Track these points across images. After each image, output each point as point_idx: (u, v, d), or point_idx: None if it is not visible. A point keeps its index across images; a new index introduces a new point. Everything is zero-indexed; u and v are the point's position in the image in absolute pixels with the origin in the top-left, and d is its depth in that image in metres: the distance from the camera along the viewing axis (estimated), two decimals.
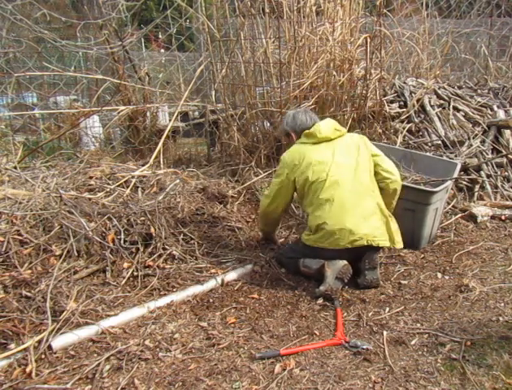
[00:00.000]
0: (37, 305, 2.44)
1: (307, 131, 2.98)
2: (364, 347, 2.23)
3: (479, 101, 5.12)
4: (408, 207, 3.26)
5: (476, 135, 4.64)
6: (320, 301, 2.69)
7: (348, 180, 2.84)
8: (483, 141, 4.60)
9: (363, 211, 2.81)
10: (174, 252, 3.07)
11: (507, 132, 4.64)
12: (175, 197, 3.59)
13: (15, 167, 3.80)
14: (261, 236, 3.45)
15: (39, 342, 2.23)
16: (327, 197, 2.80)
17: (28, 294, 2.49)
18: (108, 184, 3.60)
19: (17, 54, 5.23)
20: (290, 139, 3.16)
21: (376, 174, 2.98)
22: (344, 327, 2.43)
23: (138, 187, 3.69)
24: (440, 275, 3.01)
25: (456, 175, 3.60)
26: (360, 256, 2.83)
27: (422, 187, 3.38)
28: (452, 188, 4.09)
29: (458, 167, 3.65)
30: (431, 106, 4.96)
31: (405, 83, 5.36)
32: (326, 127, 2.97)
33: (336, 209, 2.78)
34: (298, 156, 2.92)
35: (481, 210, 3.86)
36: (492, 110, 4.99)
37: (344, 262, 2.76)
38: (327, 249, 2.80)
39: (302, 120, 3.06)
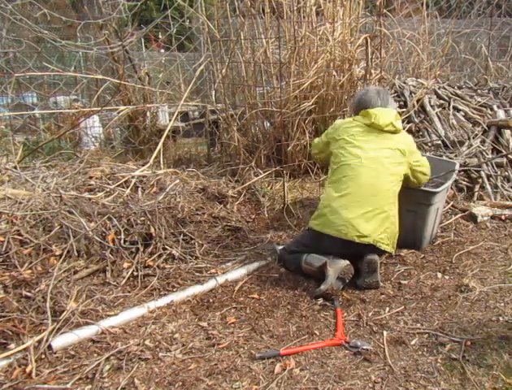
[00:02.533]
0: (37, 305, 2.44)
1: (365, 110, 3.02)
2: (364, 347, 2.23)
3: (479, 101, 5.12)
4: (410, 208, 3.26)
5: (476, 135, 4.64)
6: (320, 301, 2.69)
7: (371, 177, 2.87)
8: (483, 141, 4.60)
9: (372, 210, 2.82)
10: (174, 252, 3.07)
11: (507, 132, 4.64)
12: (175, 197, 3.59)
13: (15, 167, 3.80)
14: None
15: (39, 342, 2.24)
16: (345, 185, 2.86)
17: (28, 294, 2.49)
18: (108, 184, 3.60)
19: (17, 54, 5.23)
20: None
21: (409, 178, 3.10)
22: (344, 327, 2.43)
23: (138, 187, 3.69)
24: (440, 275, 3.01)
25: (455, 175, 3.60)
26: (360, 255, 2.82)
27: (423, 188, 3.38)
28: (452, 188, 4.09)
29: (457, 167, 3.65)
30: (431, 106, 4.96)
31: (405, 83, 5.36)
32: (383, 116, 2.98)
33: (347, 199, 2.83)
34: (346, 127, 3.04)
35: (481, 210, 3.86)
36: (492, 110, 4.99)
37: (347, 261, 2.75)
38: (326, 235, 2.81)
39: (366, 100, 3.10)
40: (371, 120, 2.96)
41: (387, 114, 3.00)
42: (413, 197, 3.24)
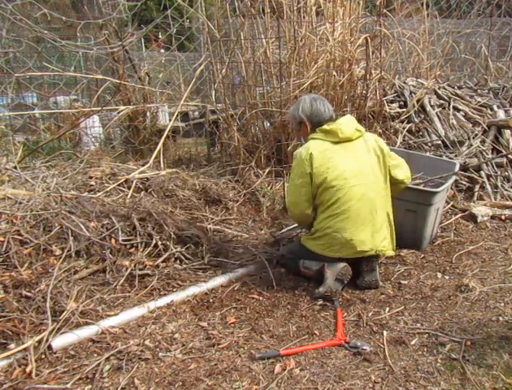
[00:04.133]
0: (37, 305, 2.44)
1: (326, 127, 2.76)
2: (364, 347, 2.23)
3: (479, 101, 5.12)
4: (410, 208, 3.26)
5: (476, 135, 4.64)
6: (320, 301, 2.69)
7: (365, 190, 2.73)
8: (483, 141, 4.60)
9: (375, 225, 2.78)
10: (174, 252, 3.07)
11: (507, 132, 4.64)
12: (175, 198, 3.59)
13: (15, 167, 3.80)
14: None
15: (39, 342, 2.23)
16: (343, 208, 2.70)
17: (28, 294, 2.49)
18: (108, 184, 3.60)
19: (17, 54, 5.22)
20: (303, 129, 2.90)
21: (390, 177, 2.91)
22: (344, 327, 2.43)
23: (138, 187, 3.69)
24: (440, 275, 3.01)
25: (454, 175, 3.60)
26: (359, 259, 2.82)
27: (423, 188, 3.38)
28: (452, 188, 4.09)
29: (457, 167, 3.65)
30: (431, 106, 4.96)
31: (405, 83, 5.36)
32: (347, 126, 2.77)
33: (349, 223, 2.71)
34: (318, 155, 2.70)
35: (481, 210, 3.86)
36: (492, 110, 4.99)
37: (344, 263, 2.76)
38: (327, 256, 2.79)
39: (320, 110, 2.81)
40: (340, 136, 2.73)
41: (348, 122, 2.80)
42: (413, 197, 3.24)
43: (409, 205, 3.24)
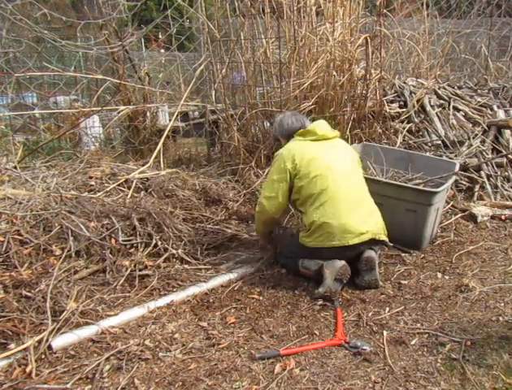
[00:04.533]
0: (37, 305, 2.44)
1: (303, 130, 2.98)
2: (364, 348, 2.23)
3: (479, 101, 5.12)
4: (409, 208, 3.26)
5: (476, 135, 4.64)
6: (320, 301, 2.69)
7: (349, 178, 2.88)
8: (483, 141, 4.60)
9: (365, 208, 2.87)
10: (174, 252, 3.07)
11: (507, 132, 4.64)
12: (175, 198, 3.59)
13: (15, 167, 3.80)
14: (261, 241, 3.37)
15: (39, 342, 2.23)
16: (331, 195, 2.78)
17: (28, 294, 2.49)
18: (108, 184, 3.60)
19: (17, 54, 5.22)
20: (280, 144, 3.22)
21: None
22: (344, 327, 2.43)
23: (138, 187, 3.69)
24: (440, 275, 3.01)
25: (455, 175, 3.60)
26: (358, 256, 2.83)
27: (423, 188, 3.38)
28: (452, 188, 4.09)
29: (457, 167, 3.65)
30: (431, 106, 4.96)
31: (405, 83, 5.36)
32: (323, 127, 3.01)
33: (341, 207, 2.78)
34: (299, 151, 2.88)
35: (481, 210, 3.86)
36: (492, 110, 4.99)
37: (343, 262, 2.75)
38: (326, 248, 2.78)
39: (288, 124, 3.07)
40: (318, 134, 2.94)
41: (323, 123, 3.05)
42: (413, 197, 3.24)
43: (409, 205, 3.25)
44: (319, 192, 2.79)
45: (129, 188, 3.60)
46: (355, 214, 2.79)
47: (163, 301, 2.65)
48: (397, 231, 3.09)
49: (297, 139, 2.98)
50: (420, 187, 3.41)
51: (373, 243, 2.85)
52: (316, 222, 2.78)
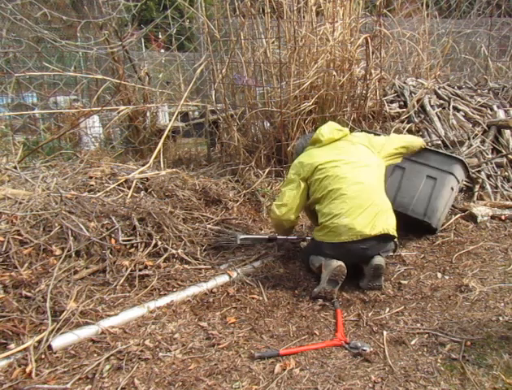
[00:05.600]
0: (37, 305, 2.44)
1: (311, 139, 3.13)
2: (364, 348, 2.22)
3: (479, 101, 5.12)
4: (431, 175, 3.36)
5: (476, 135, 4.64)
6: (320, 301, 2.69)
7: (358, 175, 2.89)
8: (483, 141, 4.60)
9: (377, 205, 2.84)
10: (174, 252, 3.07)
11: (507, 132, 4.64)
12: (175, 198, 3.58)
13: (15, 167, 3.80)
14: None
15: (39, 342, 2.24)
16: (342, 193, 2.82)
17: (28, 294, 2.49)
18: (108, 184, 3.60)
19: (17, 54, 5.22)
20: None
21: (396, 154, 3.21)
22: (344, 328, 2.43)
23: (138, 187, 3.69)
24: (440, 275, 3.01)
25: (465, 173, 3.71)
26: (365, 259, 2.81)
27: (449, 153, 3.50)
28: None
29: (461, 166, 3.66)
30: (431, 106, 4.96)
31: (405, 83, 5.36)
32: (327, 129, 3.09)
33: (353, 204, 2.78)
34: (308, 158, 3.02)
35: (481, 210, 3.86)
36: (492, 110, 4.99)
37: (339, 262, 2.73)
38: (336, 244, 2.78)
39: (302, 143, 3.29)
40: (322, 139, 3.05)
41: (328, 125, 3.13)
42: (438, 164, 3.36)
43: (432, 171, 3.35)
44: (329, 191, 2.87)
45: (129, 188, 3.60)
46: (365, 212, 2.78)
47: (163, 301, 2.65)
48: (412, 198, 3.16)
49: (308, 149, 3.14)
50: (447, 152, 3.49)
51: (382, 239, 2.82)
52: (327, 218, 2.82)
